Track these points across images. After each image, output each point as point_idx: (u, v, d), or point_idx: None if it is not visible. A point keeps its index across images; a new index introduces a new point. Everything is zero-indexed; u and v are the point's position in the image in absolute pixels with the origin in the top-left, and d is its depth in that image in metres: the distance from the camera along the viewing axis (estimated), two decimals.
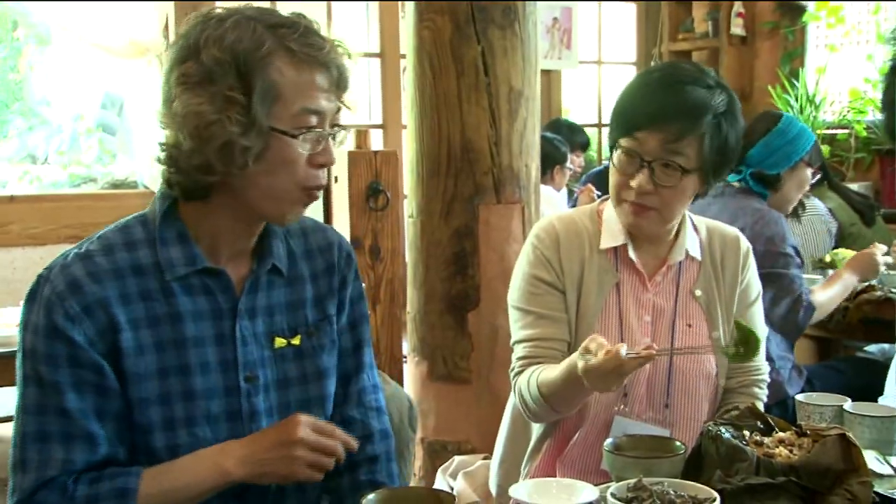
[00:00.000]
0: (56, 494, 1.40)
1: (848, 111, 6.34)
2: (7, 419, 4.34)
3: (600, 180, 5.49)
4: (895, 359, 2.26)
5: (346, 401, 1.69)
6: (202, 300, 1.50)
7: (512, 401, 2.09)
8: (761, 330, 2.05)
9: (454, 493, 2.52)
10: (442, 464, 2.75)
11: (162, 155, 1.46)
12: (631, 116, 1.84)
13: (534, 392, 1.84)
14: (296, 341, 1.58)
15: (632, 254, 1.94)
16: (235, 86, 1.37)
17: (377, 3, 6.27)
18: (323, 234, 1.68)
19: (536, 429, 2.03)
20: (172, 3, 5.43)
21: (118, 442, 1.46)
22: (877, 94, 6.22)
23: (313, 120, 1.44)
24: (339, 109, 1.50)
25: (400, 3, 6.27)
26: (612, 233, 1.95)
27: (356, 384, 1.70)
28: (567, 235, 1.96)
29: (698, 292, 1.98)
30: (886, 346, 3.66)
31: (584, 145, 5.63)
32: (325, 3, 6.06)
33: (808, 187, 3.33)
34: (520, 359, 1.95)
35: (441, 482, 2.79)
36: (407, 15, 2.92)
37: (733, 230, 2.07)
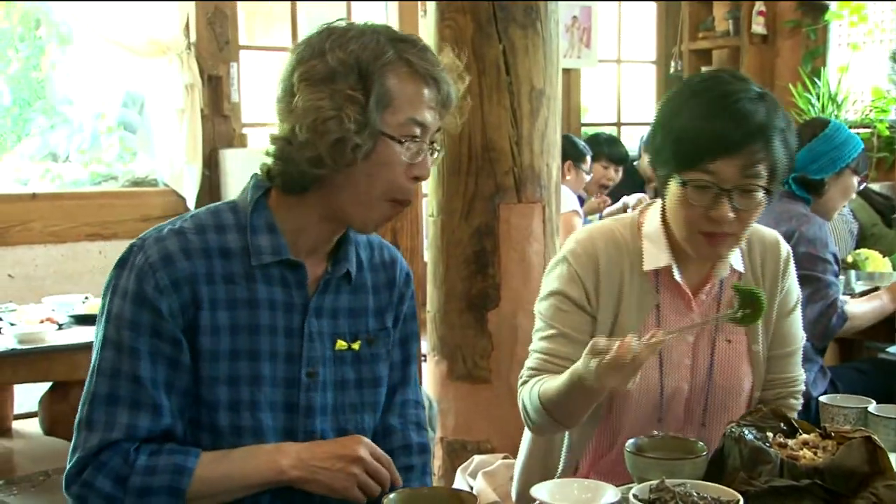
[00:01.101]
0: (119, 458, 1.45)
1: (870, 110, 6.31)
2: (31, 415, 4.36)
3: (620, 183, 5.46)
4: None
5: (390, 410, 1.73)
6: (278, 291, 1.55)
7: None
8: (800, 336, 2.00)
9: (474, 492, 2.52)
10: (461, 463, 2.75)
11: (272, 147, 1.52)
12: (698, 149, 1.70)
13: (535, 402, 1.80)
14: (356, 346, 1.63)
15: (677, 276, 1.85)
16: (356, 86, 1.45)
17: (396, 2, 6.27)
18: (388, 251, 1.73)
19: (566, 448, 1.97)
20: (193, 2, 5.46)
21: (180, 416, 1.51)
22: None
23: (417, 131, 1.50)
24: (439, 128, 1.55)
25: (419, 2, 6.27)
26: (655, 254, 1.85)
27: (401, 396, 1.75)
28: (607, 255, 1.87)
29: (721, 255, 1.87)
30: None
31: (622, 159, 5.52)
32: (346, 2, 6.05)
33: (853, 195, 3.29)
34: (529, 369, 1.90)
35: (460, 482, 2.78)
36: (428, 14, 2.91)
37: (772, 233, 1.99)
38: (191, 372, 1.50)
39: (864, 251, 3.94)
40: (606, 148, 5.46)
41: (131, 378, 1.46)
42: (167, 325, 1.47)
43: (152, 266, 1.47)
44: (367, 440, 1.51)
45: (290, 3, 5.76)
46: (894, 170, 6.11)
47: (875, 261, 3.84)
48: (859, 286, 3.44)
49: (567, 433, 1.96)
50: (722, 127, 1.69)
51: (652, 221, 1.88)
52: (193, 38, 5.50)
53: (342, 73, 1.44)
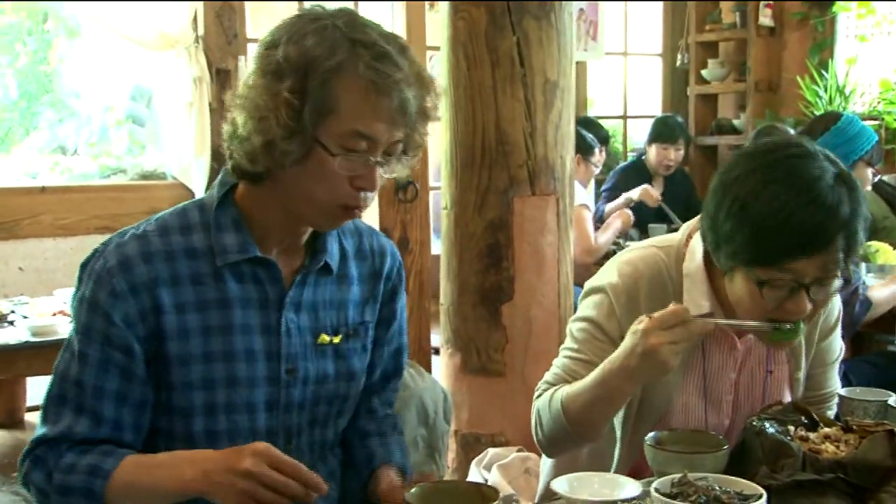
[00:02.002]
0: (52, 454, 1.42)
1: (878, 102, 6.26)
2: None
3: (627, 176, 5.44)
4: None
5: (377, 393, 1.71)
6: (251, 288, 1.49)
7: None
8: (839, 348, 1.92)
9: (488, 484, 2.49)
10: (475, 456, 2.74)
11: (227, 129, 1.45)
12: (779, 248, 1.54)
13: (555, 407, 1.71)
14: (336, 340, 1.57)
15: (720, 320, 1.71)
16: (295, 88, 1.35)
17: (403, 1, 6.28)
18: (377, 239, 1.66)
19: (615, 459, 1.86)
20: None
21: (130, 428, 1.45)
22: None
23: (363, 144, 1.40)
24: (399, 140, 1.44)
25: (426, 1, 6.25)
26: (697, 299, 1.71)
27: (392, 383, 1.74)
28: (650, 296, 1.73)
29: None
30: None
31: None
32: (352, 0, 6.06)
33: (869, 187, 3.24)
34: (547, 382, 1.81)
35: (475, 474, 2.77)
36: (441, 6, 2.88)
37: None
38: (146, 383, 1.44)
39: (874, 243, 3.91)
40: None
41: (77, 383, 1.43)
42: (119, 333, 1.41)
43: (110, 271, 1.42)
44: (264, 446, 1.34)
45: (295, 1, 5.73)
46: None
47: (886, 253, 3.79)
48: (869, 279, 3.41)
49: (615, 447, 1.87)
50: (807, 224, 1.51)
51: (694, 257, 1.74)
52: (201, 31, 5.48)
53: (287, 71, 1.35)
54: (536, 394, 1.82)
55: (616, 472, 1.80)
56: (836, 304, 1.88)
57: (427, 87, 1.43)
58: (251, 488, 1.30)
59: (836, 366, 1.92)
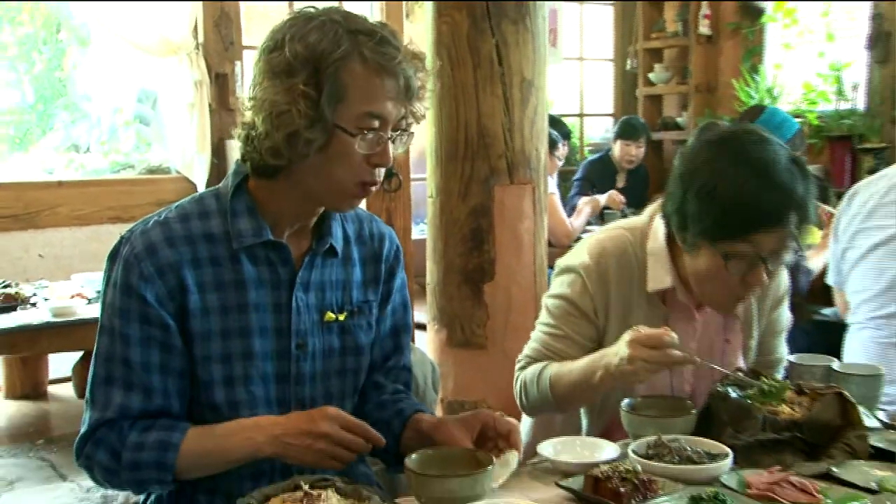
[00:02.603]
0: (114, 434, 1.37)
1: (802, 102, 6.32)
2: (66, 380, 4.26)
3: (595, 168, 5.38)
4: (850, 324, 2.25)
5: (380, 371, 1.63)
6: (264, 270, 1.44)
7: None
8: (787, 318, 1.90)
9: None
10: None
11: (241, 133, 1.40)
12: (743, 223, 1.54)
13: (543, 384, 1.70)
14: (342, 317, 1.52)
15: (680, 295, 1.71)
16: (309, 81, 1.32)
17: (382, 2, 6.17)
18: (376, 225, 1.61)
19: (585, 426, 1.86)
20: (201, 4, 5.42)
21: (176, 395, 1.42)
22: (827, 87, 6.25)
23: (375, 123, 1.36)
24: (404, 116, 1.40)
25: (404, 3, 6.19)
26: (660, 275, 1.70)
27: (393, 362, 1.65)
28: (619, 273, 1.72)
29: (738, 307, 1.75)
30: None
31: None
32: (336, 2, 5.95)
33: None
34: (528, 356, 1.80)
35: None
36: (426, 11, 2.79)
37: None
38: (184, 354, 1.41)
39: None
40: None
41: (123, 362, 1.38)
42: (154, 311, 1.37)
43: (137, 256, 1.37)
44: (335, 411, 1.36)
45: (287, 3, 5.69)
46: (823, 154, 6.10)
47: (813, 234, 3.83)
48: (809, 254, 3.38)
49: (582, 414, 1.87)
50: (768, 202, 1.53)
51: (657, 237, 1.72)
52: (201, 38, 5.47)
53: (298, 67, 1.32)
54: (519, 365, 1.81)
55: (587, 434, 1.81)
56: (784, 278, 1.85)
57: (420, 63, 1.40)
58: (328, 448, 1.33)
59: (784, 334, 1.90)
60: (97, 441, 1.38)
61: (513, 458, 1.39)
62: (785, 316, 1.88)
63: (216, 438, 1.37)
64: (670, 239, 1.69)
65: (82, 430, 1.40)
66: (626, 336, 1.52)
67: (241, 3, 5.54)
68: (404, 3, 6.08)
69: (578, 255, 1.77)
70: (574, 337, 1.74)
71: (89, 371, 1.42)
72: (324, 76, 1.31)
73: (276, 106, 1.32)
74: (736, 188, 1.53)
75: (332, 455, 1.33)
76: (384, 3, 6.15)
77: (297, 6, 1.47)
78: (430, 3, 2.74)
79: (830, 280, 2.38)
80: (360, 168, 1.37)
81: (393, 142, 1.39)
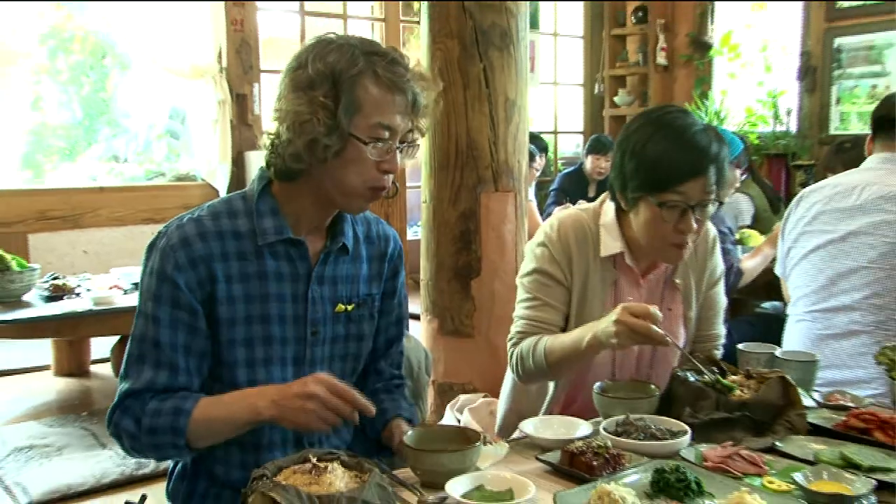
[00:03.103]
0: (138, 403, 1.34)
1: (745, 124, 6.33)
2: (105, 360, 4.21)
3: (570, 179, 5.34)
4: (790, 316, 2.21)
5: (384, 357, 1.60)
6: (284, 264, 1.41)
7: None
8: (723, 300, 1.88)
9: (461, 424, 2.38)
10: (450, 401, 2.62)
11: (267, 141, 1.38)
12: (670, 174, 1.58)
13: (539, 357, 1.67)
14: (350, 308, 1.49)
15: (628, 260, 1.73)
16: (328, 94, 1.30)
17: (382, 24, 6.19)
18: (382, 228, 1.57)
19: (549, 395, 1.84)
20: (224, 33, 5.43)
21: (197, 375, 1.39)
22: (765, 112, 6.27)
23: (385, 133, 1.34)
24: (411, 129, 1.38)
25: (402, 25, 6.17)
26: (611, 242, 1.73)
27: (396, 347, 1.62)
28: (577, 241, 1.73)
29: (678, 280, 1.78)
30: (777, 303, 3.70)
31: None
32: (341, 21, 6.00)
33: (738, 183, 3.23)
34: (518, 332, 1.76)
35: (449, 416, 2.65)
36: (422, 38, 2.73)
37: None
38: (208, 337, 1.37)
39: (745, 230, 4.04)
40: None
41: (153, 342, 1.34)
42: (185, 297, 1.34)
43: (172, 248, 1.34)
44: (326, 377, 1.30)
45: (298, 31, 5.73)
46: (762, 170, 6.13)
47: (754, 237, 3.84)
48: (744, 257, 3.38)
49: (550, 386, 1.84)
50: (689, 156, 1.58)
51: (608, 214, 1.75)
52: (225, 63, 5.48)
53: (318, 82, 1.30)
54: (511, 342, 1.77)
55: (550, 403, 1.82)
56: (719, 265, 1.86)
57: (427, 83, 1.38)
58: (317, 408, 1.27)
59: (721, 314, 1.87)
60: (124, 409, 1.34)
61: (502, 448, 1.37)
62: (722, 296, 1.87)
63: (223, 405, 1.34)
64: (618, 215, 1.73)
65: (113, 402, 1.37)
66: (618, 308, 1.49)
67: (259, 33, 5.53)
68: (401, 31, 6.05)
69: (541, 234, 1.79)
70: (552, 303, 1.73)
71: (126, 352, 1.39)
72: (341, 90, 1.30)
73: (299, 116, 1.30)
74: (662, 146, 1.59)
75: (321, 416, 1.27)
76: (382, 24, 6.15)
77: (307, 39, 1.43)
78: (425, 30, 2.69)
79: (778, 271, 2.35)
80: (371, 173, 1.35)
81: (401, 152, 1.37)
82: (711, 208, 1.62)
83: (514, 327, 1.77)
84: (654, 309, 1.47)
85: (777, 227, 3.28)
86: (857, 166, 4.05)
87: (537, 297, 1.74)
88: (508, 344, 1.77)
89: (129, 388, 1.34)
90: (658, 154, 1.60)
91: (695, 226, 1.61)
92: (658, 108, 1.72)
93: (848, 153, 3.79)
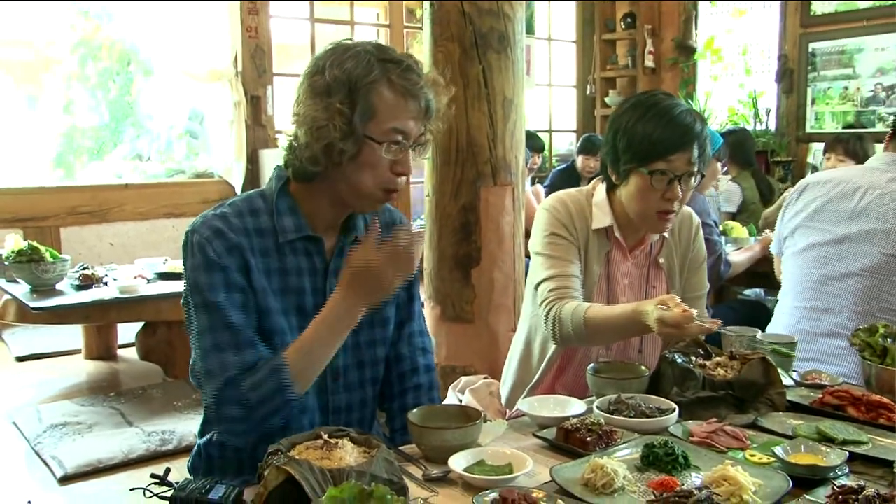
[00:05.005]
0: (233, 391, 1.26)
1: (727, 123, 6.29)
2: (130, 345, 4.21)
3: (563, 176, 5.30)
4: (779, 303, 2.18)
5: (400, 340, 1.53)
6: (303, 259, 1.38)
7: (522, 338, 1.89)
8: (705, 285, 1.88)
9: (463, 404, 2.37)
10: (452, 383, 2.59)
11: (286, 143, 1.36)
12: (658, 147, 1.63)
13: (577, 322, 1.62)
14: None
15: (617, 233, 1.77)
16: (345, 101, 1.28)
17: (387, 29, 6.16)
18: (390, 214, 1.54)
19: (543, 365, 1.82)
20: (240, 39, 5.41)
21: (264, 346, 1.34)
22: (746, 111, 6.22)
23: (399, 137, 1.31)
24: (423, 132, 1.35)
25: (406, 31, 6.13)
26: (601, 217, 1.77)
27: (408, 328, 1.55)
28: (576, 212, 1.77)
29: (661, 260, 1.81)
30: (759, 290, 3.75)
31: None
32: (348, 27, 5.98)
33: (720, 175, 3.21)
34: (551, 291, 1.70)
35: (451, 397, 2.63)
36: (424, 41, 2.70)
37: (687, 209, 1.86)
38: (256, 313, 1.32)
39: (729, 222, 4.03)
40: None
41: (226, 326, 1.27)
42: (234, 277, 1.29)
43: (207, 239, 1.30)
44: (362, 247, 1.31)
45: (308, 39, 5.69)
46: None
47: (737, 230, 3.83)
48: (728, 248, 3.40)
49: (541, 358, 1.84)
50: (676, 131, 1.64)
51: (599, 193, 1.79)
52: (240, 67, 5.46)
53: (335, 88, 1.27)
54: (548, 304, 1.70)
55: (542, 374, 1.82)
56: (702, 251, 1.88)
57: (439, 89, 1.36)
58: (389, 270, 1.29)
59: (704, 298, 1.89)
60: (225, 401, 1.27)
61: (500, 426, 1.36)
62: (705, 281, 1.88)
63: (305, 339, 1.29)
64: (609, 195, 1.77)
65: (206, 402, 1.30)
66: (655, 313, 1.47)
67: (272, 39, 5.49)
68: (405, 36, 6.01)
69: (543, 206, 1.81)
70: (567, 257, 1.73)
71: (194, 355, 1.31)
72: (357, 97, 1.27)
73: (316, 121, 1.27)
74: (653, 123, 1.64)
75: (397, 268, 1.29)
76: (387, 29, 6.12)
77: (317, 43, 1.40)
78: (427, 33, 2.66)
79: (773, 249, 2.29)
80: (385, 175, 1.33)
81: (413, 150, 1.35)
82: (693, 181, 1.67)
83: (544, 287, 1.72)
84: (688, 314, 1.44)
85: (768, 235, 3.26)
86: (856, 153, 4.03)
87: (558, 256, 1.74)
88: (542, 308, 1.71)
89: (223, 381, 1.26)
90: (649, 130, 1.64)
91: (679, 194, 1.66)
92: (646, 92, 1.77)
93: (849, 140, 3.79)
